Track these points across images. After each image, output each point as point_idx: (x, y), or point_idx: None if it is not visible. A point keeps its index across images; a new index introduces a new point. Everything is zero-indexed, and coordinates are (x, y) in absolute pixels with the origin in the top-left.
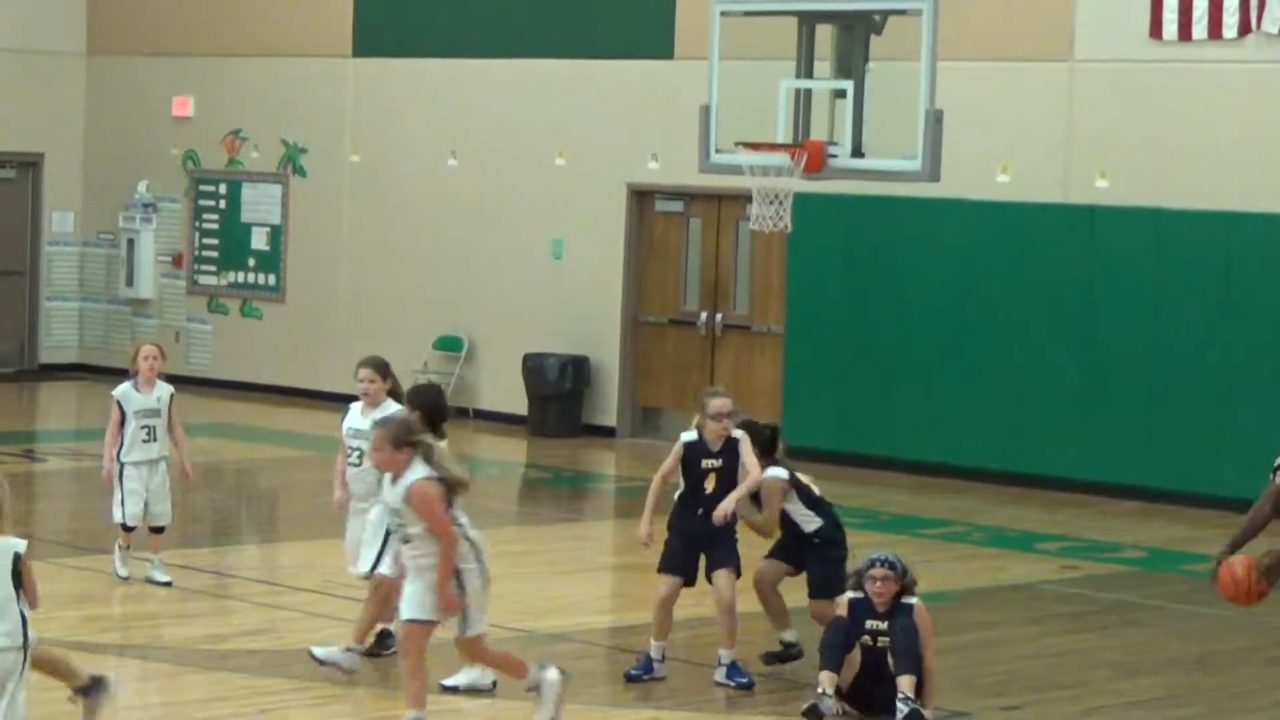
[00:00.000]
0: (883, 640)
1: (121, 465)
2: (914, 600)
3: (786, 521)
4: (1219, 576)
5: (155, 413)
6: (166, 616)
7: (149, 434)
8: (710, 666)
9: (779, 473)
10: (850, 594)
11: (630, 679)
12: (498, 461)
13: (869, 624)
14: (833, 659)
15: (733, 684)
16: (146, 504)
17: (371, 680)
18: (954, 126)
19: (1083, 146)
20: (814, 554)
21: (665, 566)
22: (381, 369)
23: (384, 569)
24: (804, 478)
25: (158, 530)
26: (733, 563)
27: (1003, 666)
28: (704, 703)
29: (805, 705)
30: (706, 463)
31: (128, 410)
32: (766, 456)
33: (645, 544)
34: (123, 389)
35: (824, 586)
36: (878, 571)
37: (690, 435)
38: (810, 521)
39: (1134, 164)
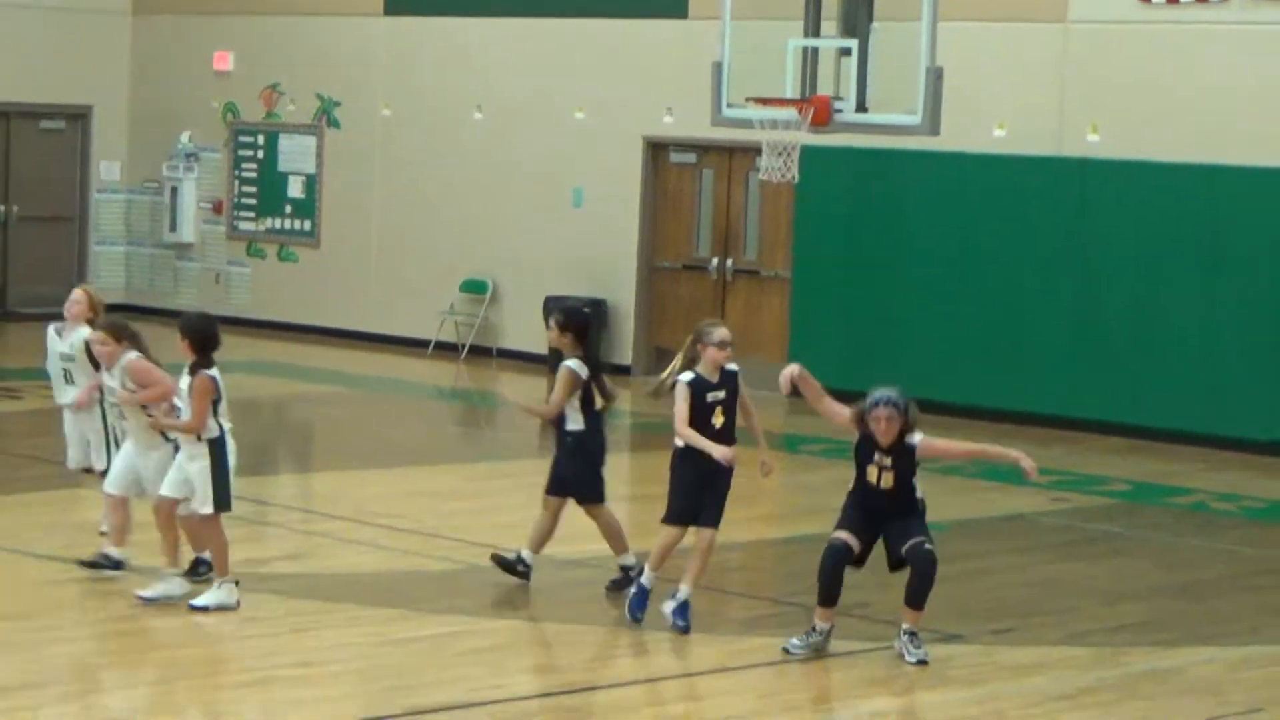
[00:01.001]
0: (887, 476)
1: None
2: (916, 440)
3: (559, 416)
4: None
5: (70, 357)
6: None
7: (66, 377)
8: (725, 592)
9: (575, 366)
10: (685, 377)
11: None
12: (521, 398)
13: (876, 456)
14: (827, 593)
15: (677, 622)
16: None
17: (394, 600)
18: (953, 83)
19: (1075, 103)
20: (566, 453)
21: (674, 518)
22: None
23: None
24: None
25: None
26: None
27: (994, 592)
28: (718, 625)
29: (788, 642)
30: (711, 396)
31: (50, 351)
32: (579, 345)
33: (731, 462)
34: (49, 330)
35: (564, 484)
36: (882, 412)
37: (688, 375)
38: (573, 422)
39: (1123, 119)
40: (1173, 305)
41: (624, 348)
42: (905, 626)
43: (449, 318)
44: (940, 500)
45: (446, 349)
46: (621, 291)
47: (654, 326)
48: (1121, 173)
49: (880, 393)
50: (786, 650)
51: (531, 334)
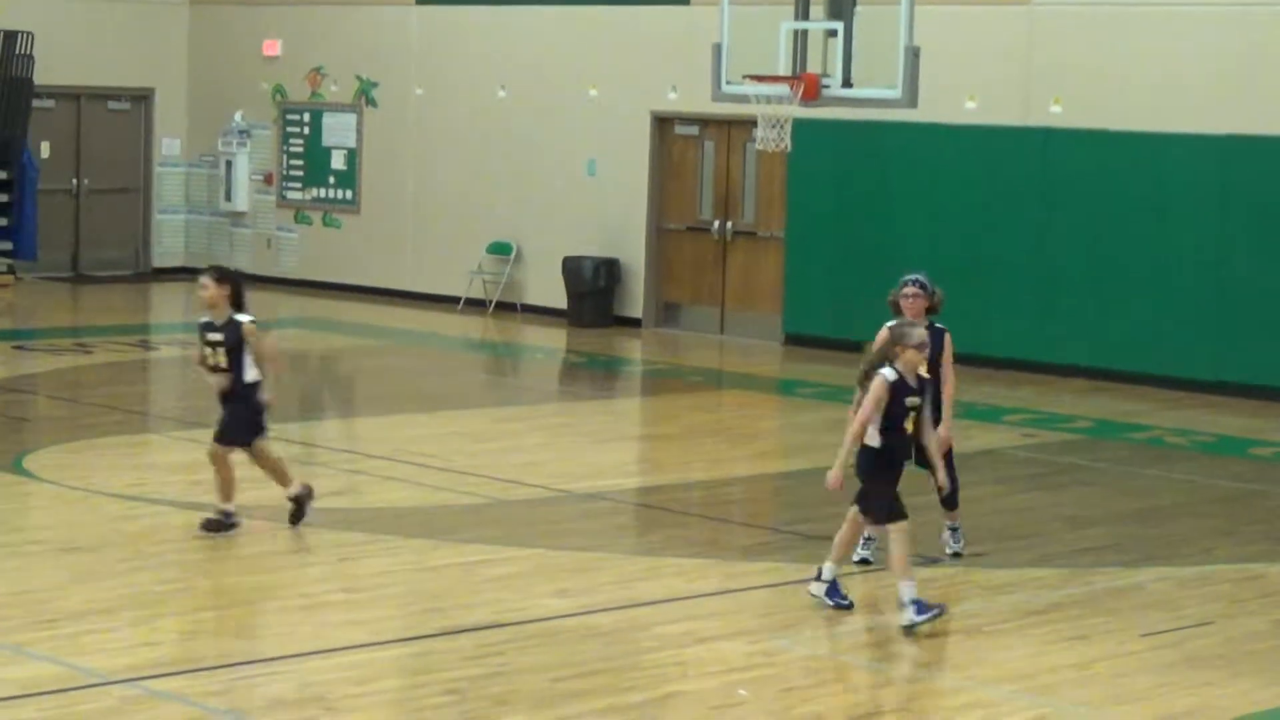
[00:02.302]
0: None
1: None
2: (944, 328)
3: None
4: None
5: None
6: (261, 480)
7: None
8: (728, 521)
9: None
10: (889, 375)
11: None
12: (542, 348)
13: (907, 400)
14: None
15: (830, 602)
16: None
17: (428, 531)
18: (929, 61)
19: (1039, 77)
20: (233, 399)
21: (898, 514)
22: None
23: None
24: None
25: None
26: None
27: (971, 520)
28: (722, 552)
29: (857, 556)
30: (909, 401)
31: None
32: (236, 300)
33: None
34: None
35: (224, 431)
36: (909, 290)
37: (891, 374)
38: (248, 373)
39: (1083, 92)
40: (1127, 259)
41: (635, 303)
42: (947, 523)
43: (477, 276)
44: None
45: (475, 305)
46: (632, 251)
47: (663, 283)
48: (1081, 141)
49: (912, 275)
50: (864, 560)
51: (552, 291)
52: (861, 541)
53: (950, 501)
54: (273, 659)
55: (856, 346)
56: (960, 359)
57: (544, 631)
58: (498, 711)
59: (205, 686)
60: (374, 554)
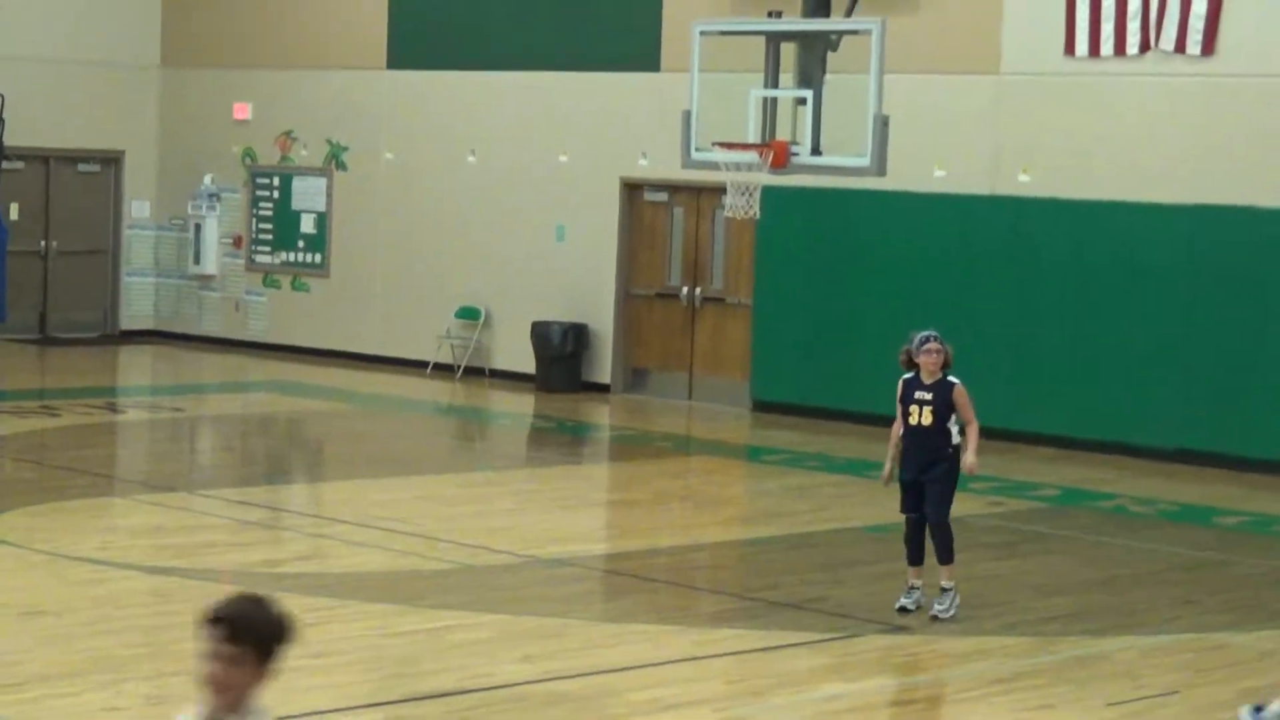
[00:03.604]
0: (927, 407)
1: None
2: (955, 381)
3: None
4: None
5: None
6: (227, 545)
7: None
8: (694, 588)
9: None
10: (906, 375)
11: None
12: (510, 413)
13: (917, 394)
14: (913, 555)
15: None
16: None
17: (395, 597)
18: (898, 129)
19: (1008, 147)
20: None
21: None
22: None
23: None
24: None
25: None
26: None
27: (938, 587)
28: (689, 618)
29: (898, 604)
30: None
31: None
32: None
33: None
34: None
35: None
36: (931, 345)
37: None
38: None
39: (1051, 162)
40: (1095, 328)
41: (604, 368)
42: (942, 583)
43: (445, 341)
44: (891, 504)
45: (443, 369)
46: (601, 317)
47: (631, 349)
48: (1049, 210)
49: (925, 332)
50: (901, 609)
51: (520, 356)
52: (906, 590)
53: (940, 556)
54: None
55: (822, 413)
56: None
57: (510, 697)
58: None
59: None
60: (341, 619)
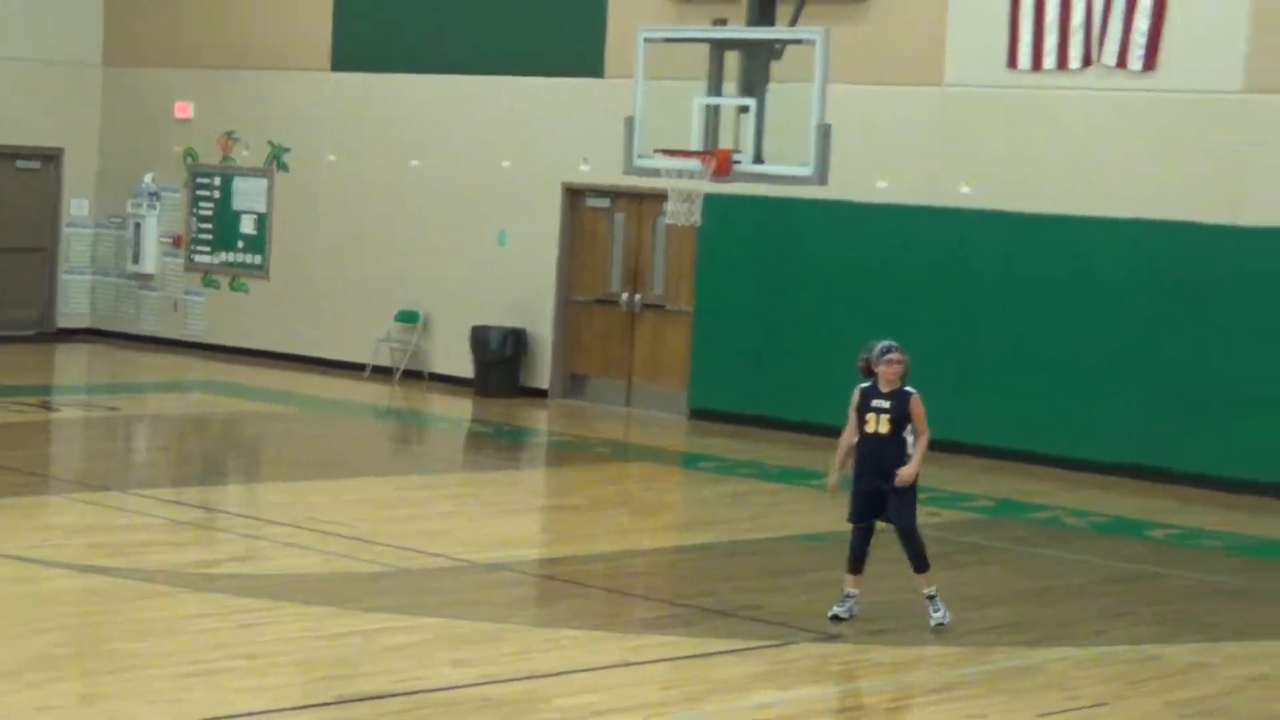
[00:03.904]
0: (885, 415)
1: None
2: (912, 391)
3: None
4: None
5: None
6: (162, 545)
7: None
8: (628, 595)
9: None
10: (863, 384)
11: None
12: (447, 418)
13: (875, 403)
14: (855, 564)
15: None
16: None
17: (329, 599)
18: (841, 139)
19: (949, 159)
20: None
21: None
22: None
23: None
24: None
25: None
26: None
27: (873, 597)
28: (623, 624)
29: (831, 612)
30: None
31: None
32: None
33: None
34: None
35: None
36: (894, 355)
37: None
38: None
39: (992, 174)
40: (1033, 340)
41: (542, 373)
42: (924, 591)
43: (384, 344)
44: (827, 514)
45: (382, 372)
46: (541, 323)
47: (570, 354)
48: (990, 222)
49: (886, 342)
50: (834, 617)
51: (459, 360)
52: (930, 606)
53: (915, 565)
54: None
55: (759, 421)
56: None
57: (442, 701)
58: None
59: None
60: (275, 620)
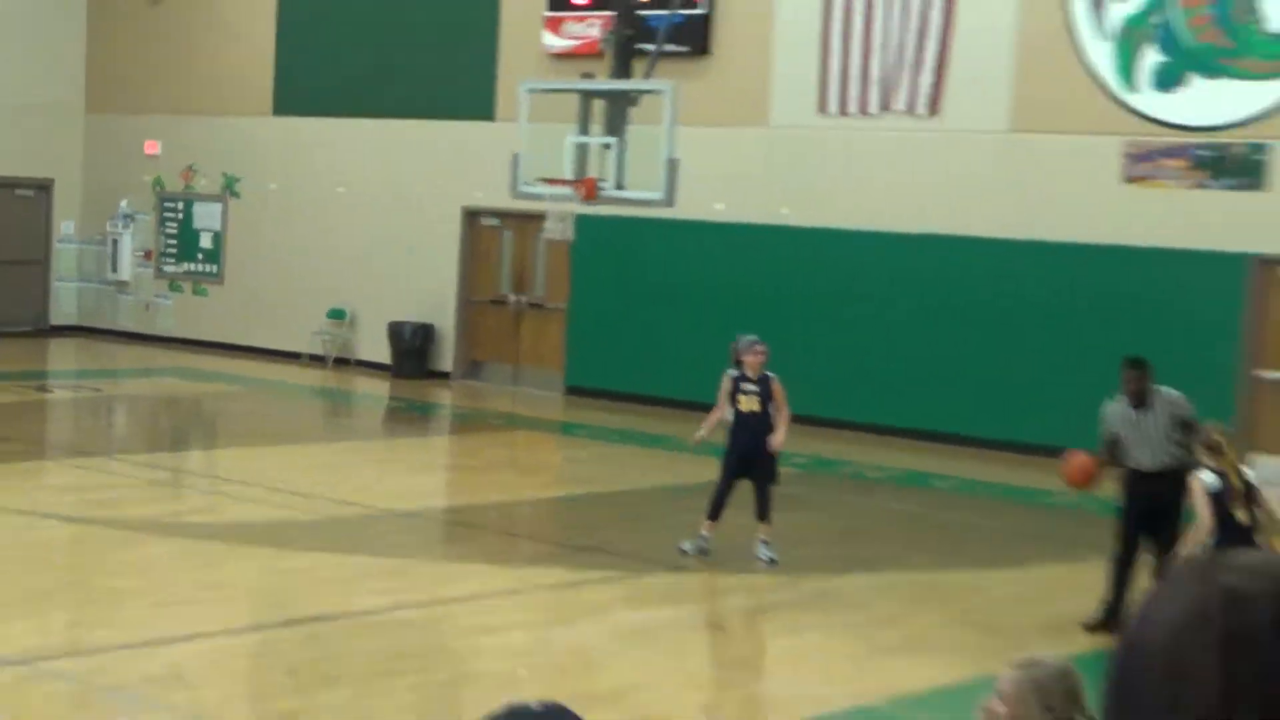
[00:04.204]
0: (754, 397)
1: None
2: (773, 376)
3: None
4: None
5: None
6: (137, 500)
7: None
8: (516, 536)
9: None
10: (732, 371)
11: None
12: (370, 395)
13: (744, 386)
14: (715, 512)
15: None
16: None
17: (275, 542)
18: (685, 170)
19: (772, 186)
20: None
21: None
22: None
23: None
24: None
25: None
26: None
27: (716, 538)
28: (512, 560)
29: (682, 546)
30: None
31: None
32: None
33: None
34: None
35: None
36: (760, 348)
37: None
38: None
39: (806, 198)
40: (837, 326)
41: (447, 360)
42: (760, 536)
43: (318, 336)
44: (671, 470)
45: (316, 360)
46: (445, 318)
47: (469, 344)
48: (804, 236)
49: (750, 336)
50: (682, 551)
51: (379, 349)
52: (695, 536)
53: (763, 516)
54: (143, 645)
55: (624, 397)
56: (705, 406)
57: (366, 623)
58: (327, 687)
59: (88, 666)
60: (231, 559)
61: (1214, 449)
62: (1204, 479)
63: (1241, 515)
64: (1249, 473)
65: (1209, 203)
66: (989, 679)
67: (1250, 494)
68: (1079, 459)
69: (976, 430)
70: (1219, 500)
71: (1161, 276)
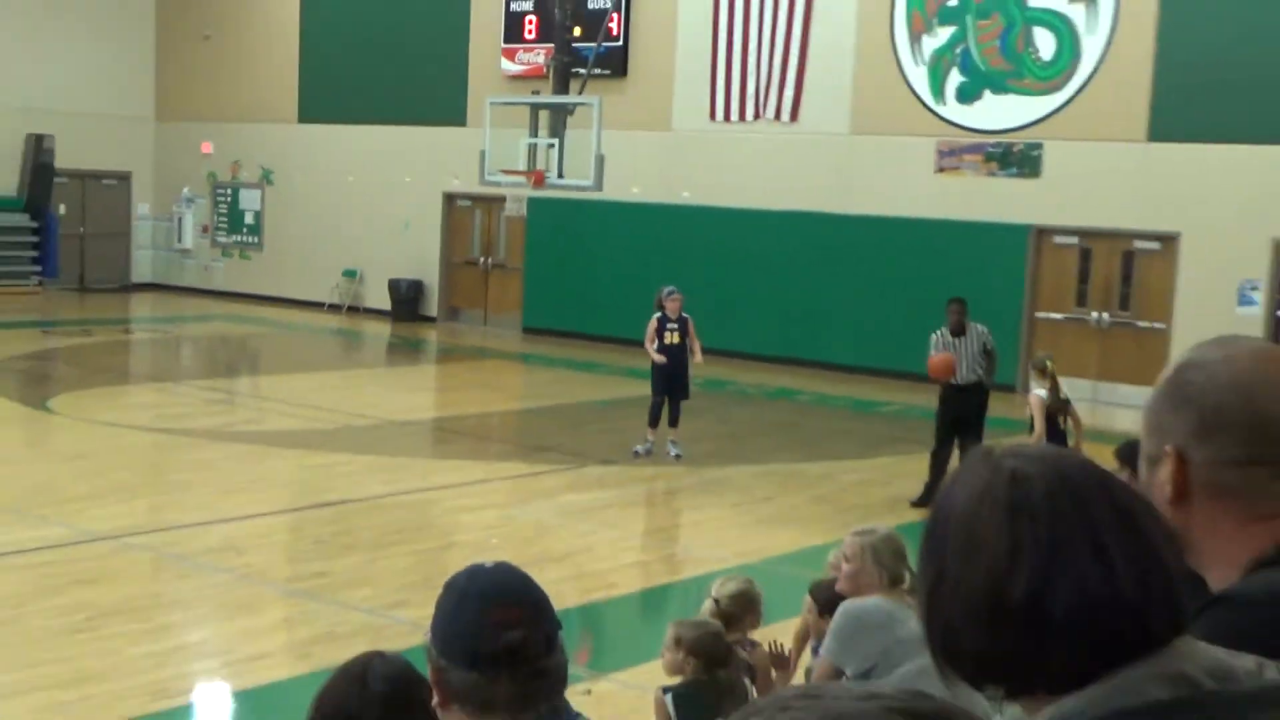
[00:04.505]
0: (675, 332)
1: None
2: (688, 316)
3: None
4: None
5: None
6: (200, 414)
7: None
8: (488, 439)
9: None
10: (658, 313)
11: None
12: (375, 335)
13: (668, 326)
14: (654, 420)
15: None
16: None
17: (305, 445)
18: (610, 163)
19: (677, 174)
20: None
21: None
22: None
23: None
24: None
25: None
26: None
27: (615, 437)
28: (485, 457)
29: (636, 449)
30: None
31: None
32: None
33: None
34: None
35: None
36: (676, 295)
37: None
38: None
39: (700, 184)
40: (725, 280)
41: (433, 307)
42: (671, 437)
43: (336, 289)
44: (611, 390)
45: (335, 308)
46: (431, 276)
47: (450, 295)
48: (700, 213)
49: (670, 287)
50: (636, 454)
51: (382, 299)
52: (673, 447)
53: (673, 421)
54: (205, 523)
55: (569, 334)
56: (633, 341)
57: (374, 505)
58: (345, 553)
59: (163, 540)
60: (271, 458)
61: (1042, 372)
62: (1039, 394)
63: (1059, 423)
64: (1066, 390)
65: (999, 187)
66: (837, 543)
67: (1066, 407)
68: (941, 357)
69: (830, 356)
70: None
71: (965, 242)
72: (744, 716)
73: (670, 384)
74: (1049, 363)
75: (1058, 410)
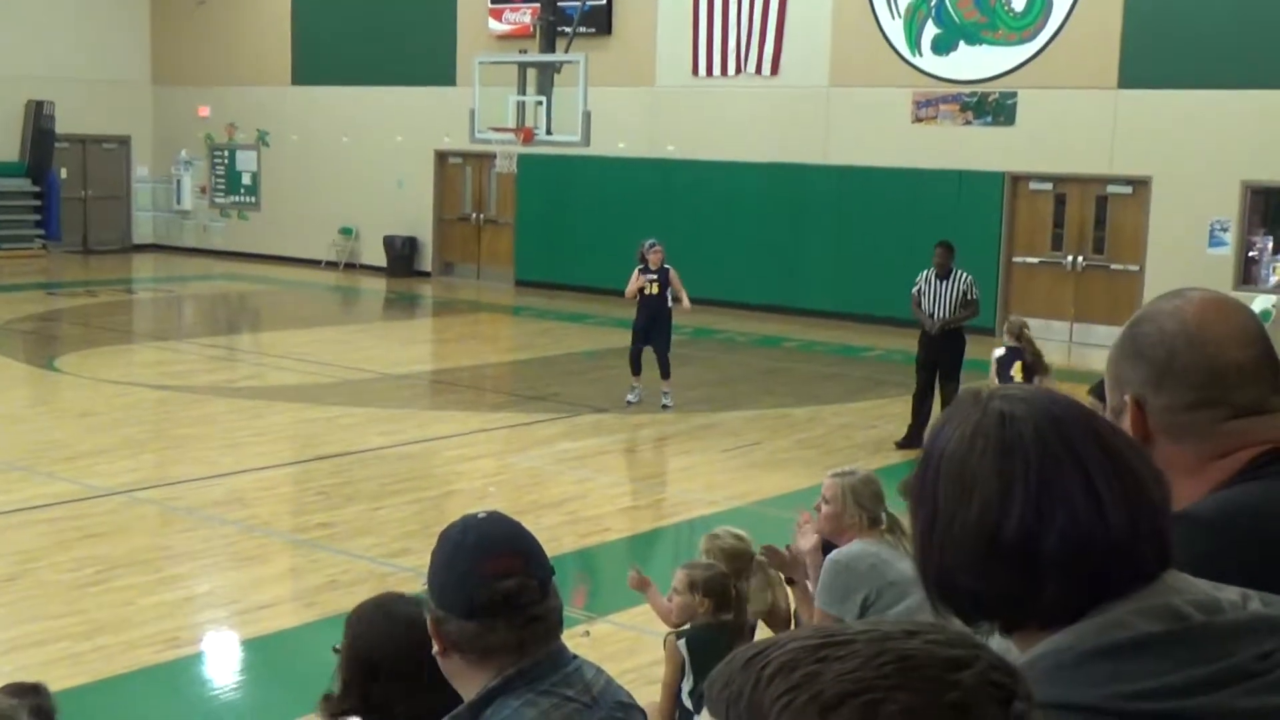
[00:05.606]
0: (655, 283)
1: None
2: (670, 267)
3: None
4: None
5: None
6: (202, 371)
7: None
8: (482, 389)
9: None
10: (640, 265)
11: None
12: (372, 290)
13: (649, 277)
14: (636, 369)
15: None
16: None
17: (304, 398)
18: (596, 119)
19: (662, 129)
20: None
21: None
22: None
23: None
24: None
25: None
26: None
27: (618, 387)
28: (481, 407)
29: (627, 399)
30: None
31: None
32: None
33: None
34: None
35: None
36: (658, 247)
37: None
38: None
39: (684, 138)
40: (710, 230)
41: (427, 262)
42: (662, 389)
43: (333, 247)
44: (601, 340)
45: (332, 265)
46: (425, 232)
47: (442, 250)
48: (684, 167)
49: (651, 239)
50: (628, 403)
51: (378, 255)
52: (665, 398)
53: (663, 373)
54: (210, 476)
55: (558, 287)
56: (611, 291)
57: (375, 456)
58: (348, 503)
59: (170, 494)
60: (273, 412)
61: (1016, 334)
62: (997, 353)
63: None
64: (1035, 351)
65: (974, 136)
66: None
67: (1038, 365)
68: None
69: (815, 303)
70: (1002, 365)
71: (942, 189)
72: (784, 662)
73: (649, 333)
74: (1024, 326)
75: (1034, 372)
